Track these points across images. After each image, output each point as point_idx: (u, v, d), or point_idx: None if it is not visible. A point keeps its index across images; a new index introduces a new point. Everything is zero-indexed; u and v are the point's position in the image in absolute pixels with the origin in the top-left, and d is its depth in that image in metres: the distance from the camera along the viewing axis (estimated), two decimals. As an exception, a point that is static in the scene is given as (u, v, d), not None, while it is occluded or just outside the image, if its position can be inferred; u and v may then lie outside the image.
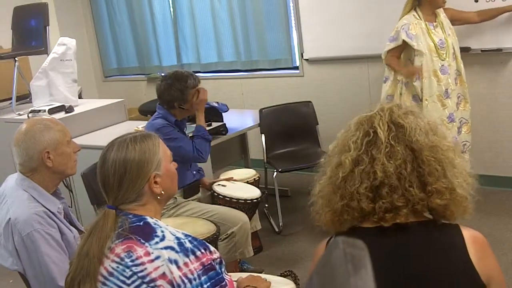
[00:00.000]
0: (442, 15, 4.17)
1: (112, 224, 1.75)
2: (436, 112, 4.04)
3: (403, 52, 4.22)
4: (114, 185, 1.78)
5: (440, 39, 4.08)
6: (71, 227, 2.37)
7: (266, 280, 2.19)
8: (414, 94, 4.14)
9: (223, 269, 1.76)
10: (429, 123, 1.53)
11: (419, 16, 4.10)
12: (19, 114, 4.71)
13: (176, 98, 3.46)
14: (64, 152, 2.37)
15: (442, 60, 4.07)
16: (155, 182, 1.81)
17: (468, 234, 1.47)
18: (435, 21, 4.14)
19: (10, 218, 2.24)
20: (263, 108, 4.92)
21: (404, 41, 4.06)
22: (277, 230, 4.47)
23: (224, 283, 1.73)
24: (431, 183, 1.45)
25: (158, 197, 1.83)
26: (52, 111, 4.52)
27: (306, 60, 5.50)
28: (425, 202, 1.46)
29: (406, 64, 4.20)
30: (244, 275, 2.21)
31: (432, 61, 4.05)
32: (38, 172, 2.33)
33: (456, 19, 4.30)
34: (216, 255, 1.76)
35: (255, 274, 2.23)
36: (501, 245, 3.75)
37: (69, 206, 2.55)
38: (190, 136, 3.61)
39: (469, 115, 4.25)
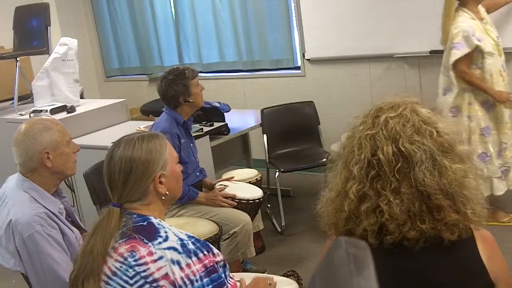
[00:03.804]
0: (482, 9, 3.87)
1: (116, 222, 1.75)
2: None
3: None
4: (120, 182, 1.78)
5: (496, 36, 3.82)
6: (73, 228, 2.36)
7: (272, 278, 2.19)
8: (484, 99, 3.82)
9: (227, 273, 1.76)
10: (441, 141, 1.45)
11: (470, 15, 3.77)
12: (21, 114, 4.70)
13: (180, 92, 3.46)
14: (63, 153, 2.36)
15: (500, 57, 3.81)
16: (160, 182, 1.81)
17: (478, 232, 1.47)
18: (482, 18, 3.82)
19: (11, 220, 2.23)
20: (265, 108, 4.92)
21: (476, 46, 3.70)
22: (279, 230, 4.47)
23: (225, 286, 1.73)
24: (439, 219, 1.41)
25: (163, 197, 1.83)
26: (53, 111, 4.52)
27: (308, 60, 5.49)
28: (436, 233, 1.41)
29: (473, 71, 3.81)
30: (247, 275, 2.21)
31: (497, 60, 3.78)
32: (38, 172, 2.33)
33: (491, 7, 3.98)
34: (220, 257, 1.76)
35: (260, 275, 2.23)
36: (503, 244, 3.75)
37: (71, 206, 2.55)
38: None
39: None
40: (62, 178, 2.46)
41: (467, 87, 3.81)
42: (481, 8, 3.87)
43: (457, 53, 3.73)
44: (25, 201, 2.27)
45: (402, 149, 1.43)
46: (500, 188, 3.96)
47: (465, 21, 3.75)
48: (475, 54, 3.76)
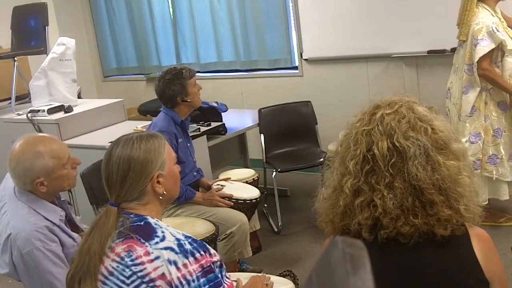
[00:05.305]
0: (499, 11, 3.78)
1: (113, 222, 1.75)
2: None
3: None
4: (117, 182, 1.78)
5: None
6: (72, 234, 2.31)
7: (269, 278, 2.19)
8: (500, 101, 3.76)
9: (223, 273, 1.76)
10: (436, 138, 1.47)
11: (491, 12, 3.67)
12: (18, 114, 4.71)
13: (178, 92, 3.46)
14: (59, 176, 2.26)
15: None
16: (158, 182, 1.81)
17: (472, 230, 1.48)
18: (499, 17, 3.72)
19: (10, 234, 2.20)
20: (262, 108, 4.92)
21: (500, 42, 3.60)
22: (276, 230, 4.47)
23: (222, 286, 1.73)
24: (432, 214, 1.42)
25: (160, 197, 1.83)
26: (51, 111, 4.51)
27: (305, 60, 5.50)
28: (429, 228, 1.43)
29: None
30: (243, 275, 2.21)
31: None
32: (34, 192, 2.27)
33: (507, 22, 3.83)
34: (216, 258, 1.76)
35: (256, 275, 2.23)
36: (499, 245, 3.75)
37: (68, 204, 2.51)
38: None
39: None
40: (60, 192, 2.40)
41: (484, 86, 3.72)
42: (498, 10, 3.79)
43: (482, 49, 3.61)
44: (24, 214, 2.22)
45: (397, 144, 1.45)
46: (507, 193, 3.87)
47: (486, 17, 3.66)
48: (495, 53, 3.68)
